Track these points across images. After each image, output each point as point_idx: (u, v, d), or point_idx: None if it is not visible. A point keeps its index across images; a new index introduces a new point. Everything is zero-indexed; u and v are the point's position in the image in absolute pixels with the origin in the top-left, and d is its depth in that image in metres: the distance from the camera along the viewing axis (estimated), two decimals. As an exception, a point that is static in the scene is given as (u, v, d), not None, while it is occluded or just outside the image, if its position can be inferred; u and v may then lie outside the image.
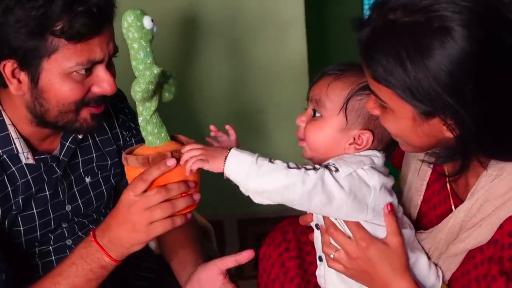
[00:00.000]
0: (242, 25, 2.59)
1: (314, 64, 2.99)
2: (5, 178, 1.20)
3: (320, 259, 1.14)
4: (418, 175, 1.21)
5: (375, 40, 0.94)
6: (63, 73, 1.11)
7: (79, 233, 1.34)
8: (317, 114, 1.08)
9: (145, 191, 1.05)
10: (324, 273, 1.13)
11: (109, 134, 1.37)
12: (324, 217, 1.08)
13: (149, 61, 1.04)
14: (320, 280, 1.16)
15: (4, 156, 1.19)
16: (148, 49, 1.03)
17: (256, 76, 2.67)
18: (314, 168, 0.99)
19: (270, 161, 0.96)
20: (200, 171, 1.07)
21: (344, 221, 1.06)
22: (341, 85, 1.07)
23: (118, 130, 1.40)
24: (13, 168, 1.20)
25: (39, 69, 1.11)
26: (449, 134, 0.95)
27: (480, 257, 1.03)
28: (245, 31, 2.60)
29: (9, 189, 1.20)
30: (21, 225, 1.24)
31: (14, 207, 1.22)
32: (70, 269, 1.13)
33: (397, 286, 1.02)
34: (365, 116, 1.06)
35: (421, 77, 0.89)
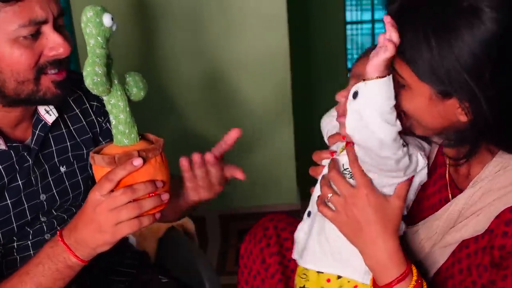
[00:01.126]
0: (225, 19, 2.61)
1: (297, 57, 3.01)
2: None
3: (309, 214, 1.14)
4: None
5: (402, 15, 0.94)
6: (9, 39, 1.08)
7: (58, 228, 1.32)
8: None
9: (112, 191, 1.03)
10: (309, 229, 1.14)
11: (84, 122, 1.35)
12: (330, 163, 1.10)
13: (102, 57, 1.02)
14: (298, 235, 1.16)
15: None
16: (104, 46, 1.02)
17: (239, 69, 2.69)
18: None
19: (396, 118, 0.96)
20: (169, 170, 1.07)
21: (350, 165, 1.06)
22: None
23: (93, 117, 1.37)
24: None
25: None
26: (463, 118, 0.96)
27: (474, 246, 1.04)
28: (228, 25, 2.62)
29: None
30: None
31: None
32: (37, 269, 1.11)
33: (383, 246, 1.02)
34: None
35: (444, 55, 0.90)
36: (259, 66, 2.70)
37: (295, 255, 1.17)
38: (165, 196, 1.07)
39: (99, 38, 1.01)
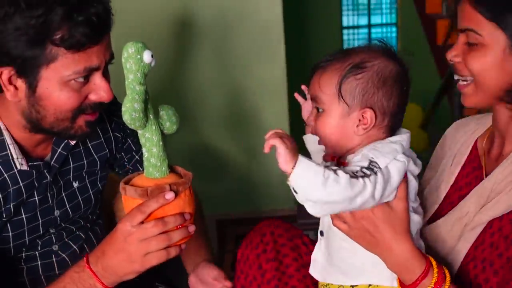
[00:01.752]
0: (225, 26, 2.63)
1: (294, 62, 3.01)
2: None
3: (322, 233, 1.13)
4: (456, 158, 1.24)
5: None
6: (61, 82, 1.09)
7: (66, 239, 1.32)
8: (320, 110, 1.08)
9: (142, 222, 1.05)
10: (326, 247, 1.13)
11: (102, 139, 1.36)
12: None
13: (140, 92, 1.03)
14: (317, 254, 1.15)
15: None
16: (142, 81, 1.02)
17: (239, 72, 2.71)
18: (367, 173, 0.98)
19: (335, 172, 0.95)
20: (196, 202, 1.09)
21: None
22: (329, 75, 1.06)
23: (110, 133, 1.38)
24: (5, 175, 1.18)
25: (38, 77, 1.09)
26: None
27: (506, 223, 1.05)
28: (228, 32, 2.64)
29: (0, 196, 1.18)
30: (10, 231, 1.22)
31: (4, 214, 1.19)
32: None
33: (399, 249, 1.02)
34: (359, 96, 1.05)
35: None
36: (251, 74, 2.72)
37: (315, 274, 1.15)
38: (192, 228, 1.09)
39: (138, 74, 1.01)
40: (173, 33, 2.62)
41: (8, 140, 1.17)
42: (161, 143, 1.07)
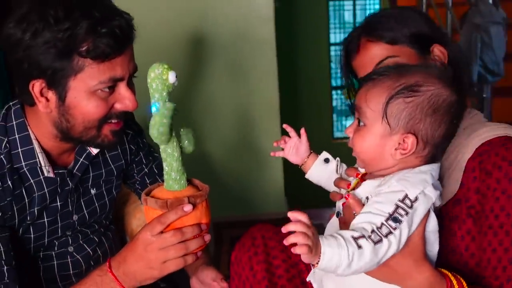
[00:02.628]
0: (225, 44, 2.65)
1: (284, 76, 3.03)
2: (23, 190, 1.17)
3: (338, 214, 1.08)
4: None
5: None
6: (88, 91, 1.09)
7: (81, 242, 1.32)
8: (361, 123, 1.00)
9: (162, 232, 1.04)
10: None
11: (119, 150, 1.36)
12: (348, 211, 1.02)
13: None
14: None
15: (25, 169, 1.17)
16: (167, 100, 1.02)
17: (234, 87, 2.71)
18: (391, 227, 0.90)
19: (358, 246, 0.87)
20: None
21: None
22: (378, 91, 0.98)
23: (126, 145, 1.38)
24: (31, 181, 1.18)
25: (66, 87, 1.09)
26: None
27: (451, 207, 1.06)
28: (227, 48, 2.65)
29: (26, 200, 1.18)
30: (32, 233, 1.22)
31: (28, 217, 1.19)
32: None
33: (422, 277, 0.96)
34: (405, 120, 0.96)
35: None
36: (248, 87, 2.73)
37: (314, 284, 1.10)
38: (207, 237, 1.09)
39: (164, 93, 1.01)
40: (179, 51, 2.65)
41: (37, 149, 1.17)
42: (180, 158, 1.06)
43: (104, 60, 1.07)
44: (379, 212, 0.91)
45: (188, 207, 1.03)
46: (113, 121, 1.15)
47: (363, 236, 0.88)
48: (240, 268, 1.24)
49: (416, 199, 0.93)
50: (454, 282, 0.99)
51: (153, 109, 1.01)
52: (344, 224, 1.02)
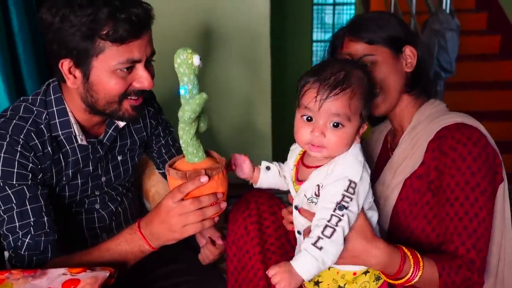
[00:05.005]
0: (223, 38, 2.59)
1: (275, 65, 2.98)
2: (60, 155, 1.14)
3: (299, 233, 1.05)
4: (372, 154, 1.24)
5: None
6: (109, 70, 1.04)
7: (106, 201, 1.29)
8: (339, 126, 0.93)
9: (182, 199, 0.99)
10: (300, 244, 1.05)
11: (141, 124, 1.32)
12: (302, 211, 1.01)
13: (195, 92, 0.95)
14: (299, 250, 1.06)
15: (62, 137, 1.13)
16: (196, 82, 0.94)
17: (230, 70, 2.66)
18: (340, 216, 0.89)
19: (319, 248, 0.87)
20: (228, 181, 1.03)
21: (304, 215, 1.00)
22: (358, 97, 0.94)
23: (148, 120, 1.34)
24: (67, 147, 1.15)
25: (90, 66, 1.04)
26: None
27: (414, 180, 1.05)
28: (225, 42, 2.60)
29: (63, 164, 1.15)
30: (67, 191, 1.19)
31: (64, 178, 1.16)
32: (116, 248, 1.07)
33: (377, 251, 0.94)
34: (369, 110, 0.99)
35: None
36: (246, 73, 2.67)
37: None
38: (223, 205, 1.04)
39: (191, 76, 0.93)
40: (189, 40, 2.59)
41: (72, 120, 1.13)
42: (196, 135, 1.00)
43: (122, 43, 1.02)
44: (328, 204, 0.91)
45: (204, 178, 0.98)
46: (132, 97, 1.10)
47: (319, 239, 0.88)
48: (235, 226, 1.21)
49: (356, 184, 0.91)
50: (408, 253, 0.96)
51: (182, 91, 0.94)
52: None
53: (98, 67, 1.04)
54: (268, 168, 1.11)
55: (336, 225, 0.89)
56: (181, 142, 1.00)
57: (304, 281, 0.87)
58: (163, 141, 1.40)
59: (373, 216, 1.01)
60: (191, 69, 0.93)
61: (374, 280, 1.01)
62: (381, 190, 1.12)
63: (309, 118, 0.95)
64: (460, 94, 3.21)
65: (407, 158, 1.08)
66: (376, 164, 1.23)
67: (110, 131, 1.21)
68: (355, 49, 1.09)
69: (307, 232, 0.97)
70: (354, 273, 0.99)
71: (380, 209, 1.09)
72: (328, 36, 6.18)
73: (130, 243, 1.06)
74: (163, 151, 1.41)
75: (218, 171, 1.01)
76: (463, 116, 1.06)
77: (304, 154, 1.05)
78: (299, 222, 1.03)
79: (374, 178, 1.17)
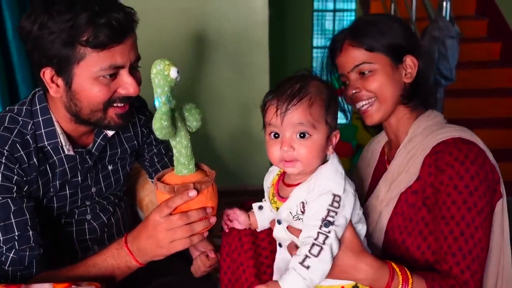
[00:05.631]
0: (224, 44, 2.58)
1: (274, 71, 2.96)
2: (47, 166, 1.10)
3: (280, 245, 1.03)
4: (369, 165, 1.20)
5: None
6: (91, 77, 1.01)
7: (97, 211, 1.26)
8: (306, 135, 0.91)
9: (170, 214, 0.96)
10: (280, 257, 1.04)
11: (132, 132, 1.28)
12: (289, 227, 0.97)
13: (166, 103, 0.90)
14: (278, 264, 1.05)
15: (49, 147, 1.10)
16: (169, 94, 0.90)
17: (229, 75, 2.64)
18: (326, 234, 0.87)
19: (306, 267, 0.85)
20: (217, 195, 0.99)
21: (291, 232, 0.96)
22: (318, 103, 0.91)
23: (139, 128, 1.30)
24: (54, 158, 1.11)
25: (72, 74, 1.01)
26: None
27: (410, 195, 1.02)
28: (225, 48, 2.58)
29: (50, 175, 1.11)
30: (55, 203, 1.15)
31: (52, 190, 1.13)
32: (102, 263, 1.03)
33: (365, 265, 0.91)
34: (335, 118, 0.95)
35: None
36: (244, 80, 2.67)
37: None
38: (213, 219, 1.00)
39: (165, 88, 0.89)
40: (187, 48, 2.56)
41: (59, 130, 1.10)
42: (189, 144, 0.95)
43: (103, 49, 0.98)
44: (314, 221, 0.88)
45: (192, 193, 0.94)
46: (118, 104, 1.06)
47: (306, 257, 0.85)
48: (230, 238, 1.17)
49: (340, 197, 0.89)
50: (397, 269, 0.93)
51: (156, 103, 0.90)
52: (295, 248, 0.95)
53: (80, 74, 1.01)
54: (260, 207, 1.09)
55: (323, 243, 0.86)
56: (174, 151, 0.97)
57: None
58: (155, 150, 1.37)
59: (362, 229, 0.98)
60: (166, 80, 0.89)
61: None
62: (375, 204, 1.09)
63: (276, 134, 0.93)
64: (460, 101, 3.18)
65: (403, 172, 1.04)
66: (373, 176, 1.19)
67: (98, 141, 1.18)
68: (354, 56, 1.06)
69: (290, 248, 0.95)
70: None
71: (374, 224, 1.06)
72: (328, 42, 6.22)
73: (116, 258, 1.03)
74: (155, 160, 1.38)
75: (207, 185, 0.97)
76: (461, 130, 1.02)
77: (283, 173, 1.02)
78: (280, 235, 1.01)
79: (370, 191, 1.14)
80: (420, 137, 1.05)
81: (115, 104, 1.06)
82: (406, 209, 1.02)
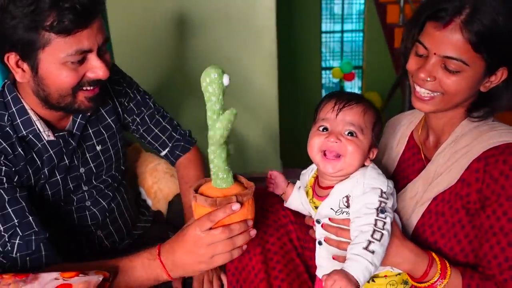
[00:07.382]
0: (229, 30, 2.54)
1: (283, 58, 2.92)
2: (33, 154, 1.08)
3: (320, 243, 1.02)
4: (395, 148, 1.15)
5: None
6: (58, 63, 0.97)
7: (96, 197, 1.24)
8: (354, 135, 0.95)
9: (210, 228, 0.91)
10: (326, 254, 1.02)
11: (110, 105, 1.24)
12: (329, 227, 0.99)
13: (221, 112, 0.88)
14: (320, 261, 1.04)
15: (30, 136, 1.08)
16: (223, 103, 0.87)
17: (237, 63, 2.61)
18: (384, 220, 0.90)
19: (371, 251, 0.85)
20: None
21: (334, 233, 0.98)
22: (371, 114, 0.98)
23: (115, 99, 1.26)
24: (39, 145, 1.09)
25: (37, 60, 0.97)
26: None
27: (444, 196, 0.98)
28: (226, 33, 2.53)
29: (38, 163, 1.09)
30: (48, 190, 1.13)
31: (42, 177, 1.11)
32: (131, 271, 0.98)
33: (406, 249, 0.93)
34: (378, 136, 1.01)
35: None
36: (253, 65, 2.63)
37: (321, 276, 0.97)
38: (253, 232, 0.95)
39: (220, 96, 0.86)
40: (196, 33, 2.52)
41: (34, 117, 1.07)
42: (227, 158, 0.92)
43: (69, 34, 0.94)
44: (369, 211, 0.90)
45: (236, 206, 0.90)
46: (87, 88, 1.03)
47: (370, 243, 0.87)
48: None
49: (386, 192, 0.93)
50: (437, 259, 0.92)
51: (209, 113, 0.88)
52: (337, 243, 0.98)
53: (46, 60, 0.97)
54: (299, 188, 1.10)
55: (383, 229, 0.89)
56: (211, 166, 0.92)
57: (360, 286, 0.84)
58: (138, 119, 1.31)
59: (397, 218, 1.01)
60: (221, 89, 0.86)
61: (402, 283, 1.01)
62: (408, 201, 1.04)
63: (325, 128, 0.97)
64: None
65: (444, 173, 0.99)
66: (399, 164, 1.13)
67: (78, 120, 1.14)
68: (455, 42, 0.88)
69: (332, 241, 0.98)
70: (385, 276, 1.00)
71: (404, 220, 1.03)
72: (337, 27, 6.07)
73: (147, 269, 0.97)
74: (141, 130, 1.33)
75: (248, 197, 0.93)
76: None
77: (317, 178, 1.03)
78: (320, 233, 1.01)
79: (398, 180, 1.10)
80: (466, 139, 0.98)
81: (84, 88, 1.03)
82: (441, 209, 0.98)
